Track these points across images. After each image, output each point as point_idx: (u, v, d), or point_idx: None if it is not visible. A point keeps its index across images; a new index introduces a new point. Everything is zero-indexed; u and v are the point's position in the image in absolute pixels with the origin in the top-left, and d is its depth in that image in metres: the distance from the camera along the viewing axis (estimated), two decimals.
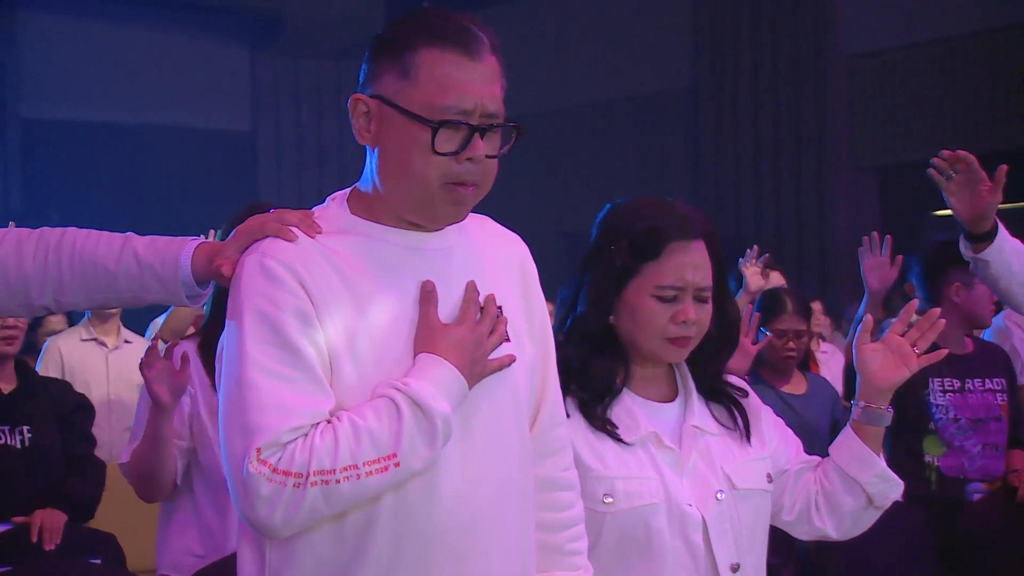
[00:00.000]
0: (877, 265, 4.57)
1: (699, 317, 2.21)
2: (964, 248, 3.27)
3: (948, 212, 3.27)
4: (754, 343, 3.97)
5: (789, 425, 2.50)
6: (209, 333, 3.01)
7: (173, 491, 3.00)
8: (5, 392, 3.92)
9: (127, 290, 1.94)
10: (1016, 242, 3.27)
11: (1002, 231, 3.23)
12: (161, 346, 3.08)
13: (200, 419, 2.97)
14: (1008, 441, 4.20)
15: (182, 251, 1.91)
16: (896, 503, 2.41)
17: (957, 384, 4.16)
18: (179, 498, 3.02)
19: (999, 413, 4.16)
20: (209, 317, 3.09)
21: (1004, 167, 3.16)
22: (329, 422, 1.72)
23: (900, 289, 5.81)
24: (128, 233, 1.98)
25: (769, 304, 4.68)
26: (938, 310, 2.40)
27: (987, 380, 4.20)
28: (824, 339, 6.42)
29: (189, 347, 3.00)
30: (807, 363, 4.85)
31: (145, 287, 1.92)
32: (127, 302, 1.98)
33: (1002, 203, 3.17)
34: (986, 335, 4.72)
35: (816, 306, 6.55)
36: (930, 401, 4.09)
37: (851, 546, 2.66)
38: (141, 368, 2.88)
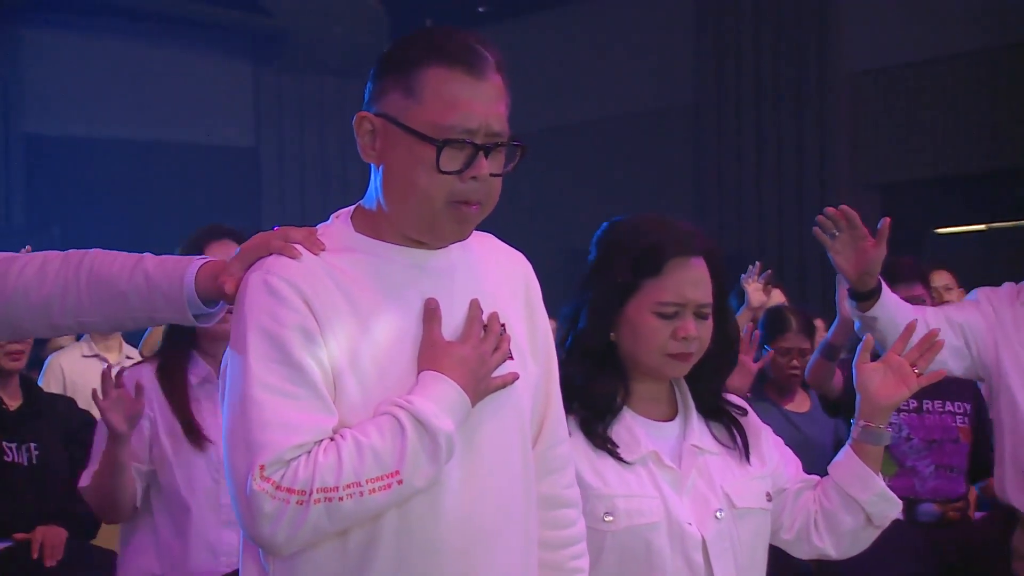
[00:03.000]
0: None
1: (700, 333, 2.22)
2: (851, 309, 3.16)
3: (951, 230, 3.23)
4: (755, 361, 3.97)
5: (791, 443, 2.50)
6: (167, 357, 3.05)
7: (133, 513, 3.02)
8: (11, 408, 3.87)
9: (139, 309, 1.94)
10: (895, 295, 3.17)
11: (884, 286, 3.14)
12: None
13: (160, 442, 2.98)
14: (971, 468, 4.20)
15: (187, 269, 1.91)
16: (896, 522, 2.41)
17: (914, 404, 4.15)
18: (139, 519, 3.04)
19: (957, 435, 4.16)
20: (167, 341, 3.10)
21: (887, 220, 3.05)
22: (332, 439, 1.72)
23: None
24: (145, 253, 1.98)
25: (773, 322, 4.69)
26: (937, 329, 2.40)
27: (948, 403, 4.19)
28: None
29: (147, 370, 3.02)
30: None
31: (154, 306, 1.92)
32: (142, 321, 1.99)
33: (1003, 222, 3.14)
34: None
35: (819, 323, 6.55)
36: None
37: (851, 565, 2.66)
38: (94, 397, 2.89)
